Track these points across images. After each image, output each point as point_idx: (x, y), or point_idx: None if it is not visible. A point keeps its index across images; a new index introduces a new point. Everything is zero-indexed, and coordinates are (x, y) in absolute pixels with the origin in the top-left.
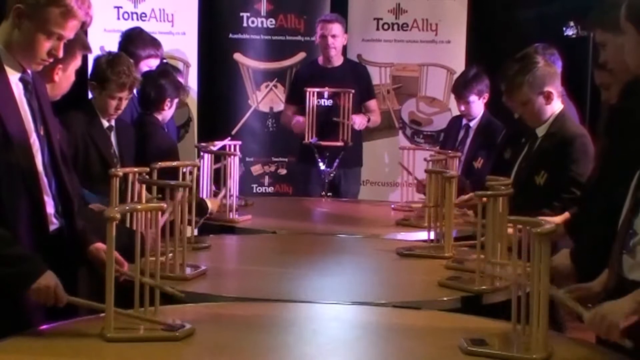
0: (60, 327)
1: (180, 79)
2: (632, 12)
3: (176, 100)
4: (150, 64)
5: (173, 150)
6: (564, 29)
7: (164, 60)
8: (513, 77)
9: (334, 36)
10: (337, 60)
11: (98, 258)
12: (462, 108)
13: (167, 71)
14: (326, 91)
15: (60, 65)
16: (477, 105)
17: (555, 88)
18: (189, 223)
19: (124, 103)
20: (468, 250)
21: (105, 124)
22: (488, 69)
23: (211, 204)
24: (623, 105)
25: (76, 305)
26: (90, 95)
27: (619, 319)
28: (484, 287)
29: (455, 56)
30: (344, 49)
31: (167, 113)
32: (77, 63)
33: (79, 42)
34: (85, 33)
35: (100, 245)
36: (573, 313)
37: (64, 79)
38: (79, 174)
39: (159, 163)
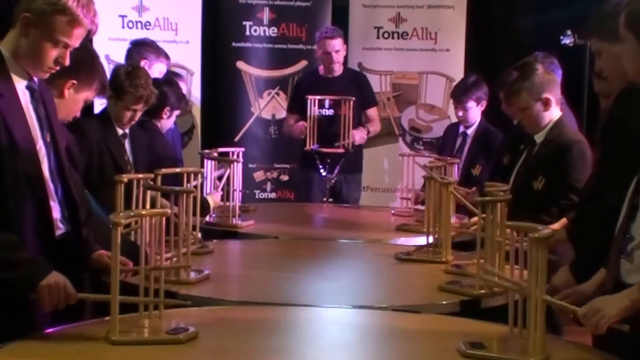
0: (66, 330)
1: (182, 85)
2: (631, 21)
3: (176, 112)
4: (160, 68)
5: (173, 157)
6: (562, 37)
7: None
8: (512, 83)
9: (337, 51)
10: (338, 70)
11: (100, 263)
12: (460, 114)
13: (173, 81)
14: (327, 99)
15: (74, 81)
16: (475, 112)
17: (553, 95)
18: (194, 228)
19: (139, 115)
20: (467, 254)
21: (120, 131)
22: (486, 76)
23: (212, 201)
24: (618, 113)
25: (86, 300)
26: (106, 103)
27: (611, 314)
28: (482, 291)
29: (454, 64)
30: (345, 58)
31: (165, 122)
32: (89, 93)
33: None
34: (91, 41)
35: (103, 251)
36: (569, 317)
37: (72, 101)
38: (93, 180)
39: (163, 169)
